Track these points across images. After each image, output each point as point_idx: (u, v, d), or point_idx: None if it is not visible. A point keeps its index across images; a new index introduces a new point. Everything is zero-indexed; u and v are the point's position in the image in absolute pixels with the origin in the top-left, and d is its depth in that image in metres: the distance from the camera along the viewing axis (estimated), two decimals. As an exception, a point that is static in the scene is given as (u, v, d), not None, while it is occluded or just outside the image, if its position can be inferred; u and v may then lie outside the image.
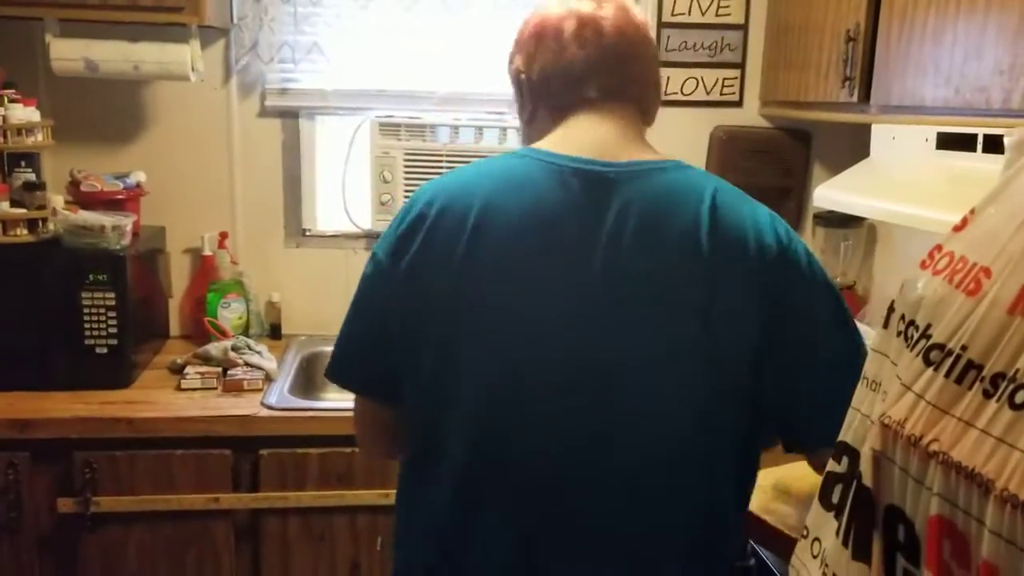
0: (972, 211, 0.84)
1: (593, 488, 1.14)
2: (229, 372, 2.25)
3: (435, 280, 1.15)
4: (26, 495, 2.01)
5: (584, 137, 1.20)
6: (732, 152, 2.71)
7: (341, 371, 1.28)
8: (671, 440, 1.13)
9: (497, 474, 1.16)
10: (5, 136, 2.11)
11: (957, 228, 0.85)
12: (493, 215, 1.14)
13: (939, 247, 0.86)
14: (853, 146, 2.35)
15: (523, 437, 1.15)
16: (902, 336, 0.85)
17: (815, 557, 0.96)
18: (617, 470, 1.13)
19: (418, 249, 1.16)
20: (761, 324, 1.11)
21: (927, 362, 0.78)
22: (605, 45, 1.21)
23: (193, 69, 2.33)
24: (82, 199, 2.31)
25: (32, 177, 2.16)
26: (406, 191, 2.58)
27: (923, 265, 0.86)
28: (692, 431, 1.13)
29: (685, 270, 1.11)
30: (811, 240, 2.73)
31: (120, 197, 2.36)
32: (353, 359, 1.27)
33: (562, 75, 1.22)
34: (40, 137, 2.20)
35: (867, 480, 0.83)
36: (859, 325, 2.34)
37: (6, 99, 2.13)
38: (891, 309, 0.89)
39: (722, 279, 1.10)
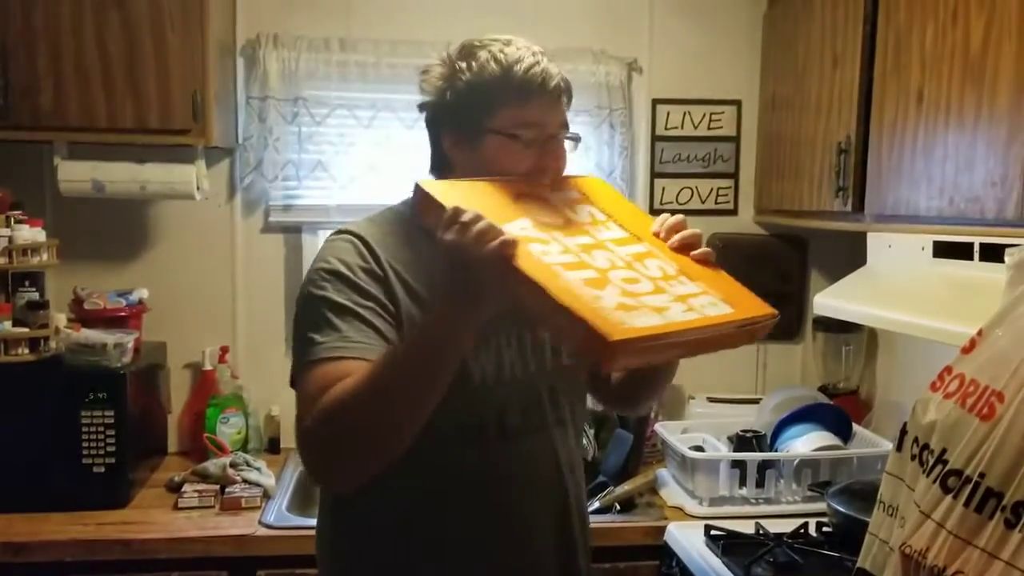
0: (979, 332, 0.84)
1: None
2: (227, 489, 2.21)
3: None
4: (17, 623, 1.96)
5: None
6: (729, 259, 2.70)
7: None
8: None
9: None
10: (10, 256, 2.13)
11: (966, 350, 0.85)
12: None
13: (948, 369, 0.85)
14: (849, 252, 2.37)
15: None
16: (916, 460, 0.84)
17: None
18: None
19: None
20: None
21: (945, 489, 0.77)
22: None
23: (198, 188, 2.36)
24: (85, 316, 2.31)
25: (35, 296, 2.17)
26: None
27: (933, 387, 0.86)
28: None
29: None
30: (812, 344, 2.73)
31: (123, 314, 2.36)
32: None
33: None
34: (45, 257, 2.22)
35: (890, 610, 0.81)
36: (864, 431, 2.34)
37: (12, 220, 2.16)
38: (903, 432, 0.88)
39: None
